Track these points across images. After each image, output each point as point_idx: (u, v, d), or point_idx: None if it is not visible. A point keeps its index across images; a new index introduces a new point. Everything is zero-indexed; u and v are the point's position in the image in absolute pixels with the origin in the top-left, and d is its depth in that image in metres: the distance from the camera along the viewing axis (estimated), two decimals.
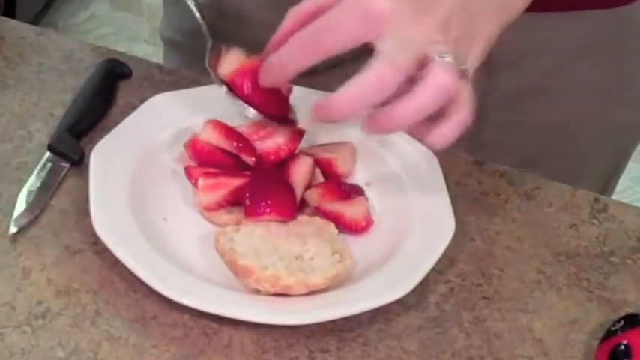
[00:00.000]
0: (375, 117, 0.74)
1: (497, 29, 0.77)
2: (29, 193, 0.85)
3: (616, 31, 1.00)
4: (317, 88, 0.94)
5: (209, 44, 0.87)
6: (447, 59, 0.72)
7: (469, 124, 0.75)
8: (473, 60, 0.76)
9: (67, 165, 0.88)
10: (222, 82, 0.85)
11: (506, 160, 0.95)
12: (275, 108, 0.84)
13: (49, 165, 0.87)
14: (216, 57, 0.86)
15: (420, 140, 0.76)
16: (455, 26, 0.74)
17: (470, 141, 0.99)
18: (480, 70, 0.98)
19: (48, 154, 0.88)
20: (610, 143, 1.09)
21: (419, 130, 0.75)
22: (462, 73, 0.73)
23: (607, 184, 1.13)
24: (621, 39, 1.01)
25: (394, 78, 0.72)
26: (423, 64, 0.73)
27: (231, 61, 0.86)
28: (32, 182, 0.86)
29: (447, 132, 0.75)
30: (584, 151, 1.07)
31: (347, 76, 1.00)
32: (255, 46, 1.06)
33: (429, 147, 0.76)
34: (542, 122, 1.03)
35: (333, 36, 0.73)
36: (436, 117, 0.75)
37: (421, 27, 0.73)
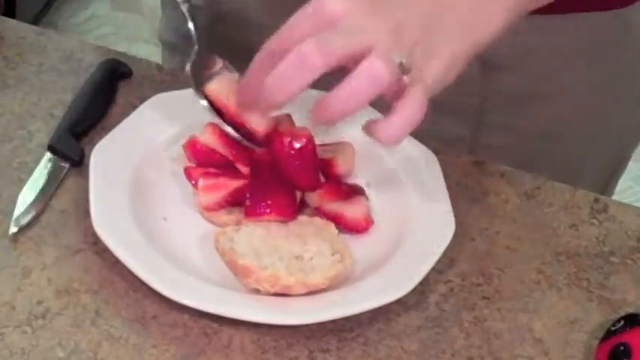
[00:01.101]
0: (315, 107, 0.73)
1: (468, 48, 0.75)
2: (29, 193, 0.85)
3: (615, 34, 1.00)
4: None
5: (195, 48, 0.87)
6: (390, 52, 0.71)
7: (418, 122, 0.73)
8: (433, 77, 0.74)
9: (67, 165, 0.88)
10: (204, 96, 0.85)
11: (506, 160, 0.95)
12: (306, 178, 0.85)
13: (49, 165, 0.87)
14: (202, 64, 0.86)
15: (370, 136, 0.74)
16: (407, 37, 0.72)
17: (470, 143, 0.99)
18: (478, 72, 0.98)
19: (48, 154, 0.88)
20: (610, 144, 1.08)
21: (369, 126, 0.74)
22: (402, 67, 0.71)
23: (607, 185, 1.13)
24: (620, 41, 1.01)
25: (318, 60, 0.70)
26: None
27: (222, 84, 0.85)
28: (32, 182, 0.86)
29: (392, 128, 0.73)
30: (584, 152, 1.06)
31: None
32: (253, 51, 1.06)
33: (380, 143, 0.74)
34: (542, 124, 1.03)
35: (288, 37, 0.73)
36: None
37: (372, 24, 0.72)
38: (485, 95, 1.00)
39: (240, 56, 1.05)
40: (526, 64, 0.99)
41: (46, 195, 0.85)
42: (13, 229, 0.82)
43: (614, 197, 1.03)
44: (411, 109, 0.72)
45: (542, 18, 0.94)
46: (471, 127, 1.00)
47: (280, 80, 0.72)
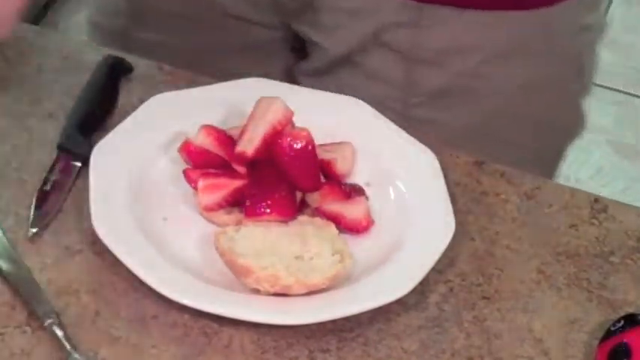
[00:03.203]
0: None
1: None
2: (44, 193, 0.85)
3: (540, 33, 1.00)
4: (322, 88, 0.94)
5: None
6: None
7: None
8: None
9: (78, 164, 0.87)
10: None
11: None
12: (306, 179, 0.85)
13: (60, 165, 0.87)
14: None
15: None
16: None
17: None
18: (402, 67, 0.99)
19: (58, 153, 0.88)
20: (542, 140, 1.08)
21: None
22: None
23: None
24: (545, 40, 1.01)
25: None
26: None
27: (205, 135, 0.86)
28: (45, 183, 0.86)
29: None
30: (513, 148, 1.05)
31: (355, 74, 1.00)
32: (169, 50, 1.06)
33: None
34: (468, 120, 1.03)
35: None
36: None
37: None
38: (410, 90, 1.01)
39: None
40: (451, 61, 1.00)
41: (60, 195, 0.85)
42: (33, 230, 0.82)
43: (614, 197, 1.03)
44: None
45: (468, 14, 0.94)
46: (397, 120, 1.00)
47: None
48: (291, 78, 1.07)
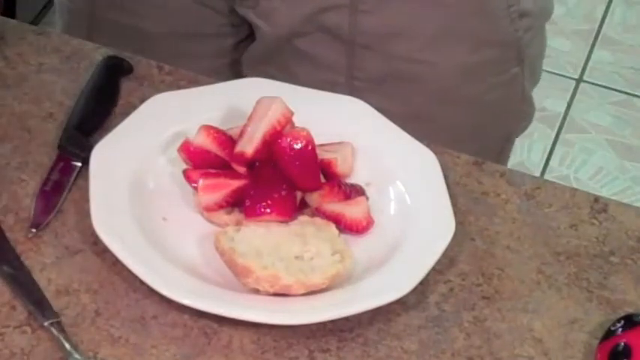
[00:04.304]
0: None
1: None
2: (44, 193, 0.85)
3: (474, 17, 1.01)
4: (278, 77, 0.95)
5: None
6: None
7: None
8: None
9: (78, 164, 0.87)
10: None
11: None
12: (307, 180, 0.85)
13: (60, 165, 0.87)
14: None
15: None
16: None
17: None
18: (343, 52, 0.99)
19: (58, 153, 0.88)
20: (488, 125, 1.08)
21: None
22: None
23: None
24: (480, 24, 1.01)
25: None
26: None
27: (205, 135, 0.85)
28: (45, 183, 0.86)
29: None
30: (460, 133, 1.06)
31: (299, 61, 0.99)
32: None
33: None
34: (411, 105, 1.03)
35: None
36: None
37: None
38: (354, 76, 1.01)
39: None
40: (391, 45, 1.00)
41: (60, 195, 0.85)
42: (32, 230, 0.82)
43: (614, 197, 1.03)
44: None
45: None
46: None
47: None
48: (238, 69, 1.09)
